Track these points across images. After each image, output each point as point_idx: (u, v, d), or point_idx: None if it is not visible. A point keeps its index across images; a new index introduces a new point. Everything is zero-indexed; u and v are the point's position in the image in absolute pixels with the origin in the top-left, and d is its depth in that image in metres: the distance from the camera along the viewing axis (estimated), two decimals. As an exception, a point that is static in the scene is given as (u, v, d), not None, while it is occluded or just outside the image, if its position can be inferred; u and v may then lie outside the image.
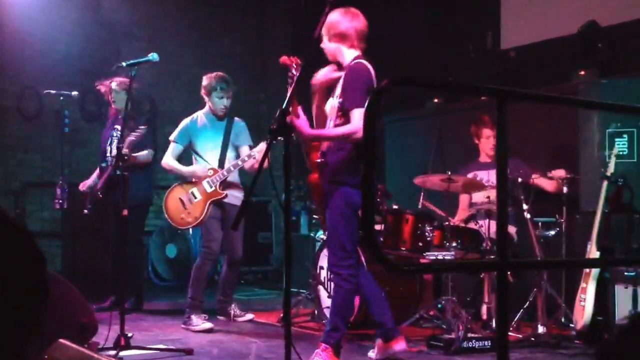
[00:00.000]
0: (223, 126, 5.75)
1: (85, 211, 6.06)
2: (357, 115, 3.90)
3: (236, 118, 5.85)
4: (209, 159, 5.68)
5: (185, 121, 5.80)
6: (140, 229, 6.40)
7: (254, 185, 3.36)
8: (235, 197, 5.62)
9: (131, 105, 5.94)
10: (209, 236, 5.61)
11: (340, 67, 4.22)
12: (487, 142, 5.75)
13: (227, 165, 5.64)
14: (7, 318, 1.02)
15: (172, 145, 5.77)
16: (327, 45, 4.18)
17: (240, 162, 5.57)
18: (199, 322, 5.41)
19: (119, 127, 6.00)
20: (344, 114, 4.03)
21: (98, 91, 6.38)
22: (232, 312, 5.78)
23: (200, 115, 5.78)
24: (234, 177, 5.69)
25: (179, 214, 5.61)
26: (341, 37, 4.13)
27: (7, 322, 1.02)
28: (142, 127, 5.44)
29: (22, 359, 1.05)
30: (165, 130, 6.67)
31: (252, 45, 9.30)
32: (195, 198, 5.58)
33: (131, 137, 5.49)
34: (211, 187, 5.58)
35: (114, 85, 6.13)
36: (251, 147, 5.68)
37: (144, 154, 6.02)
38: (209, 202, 5.56)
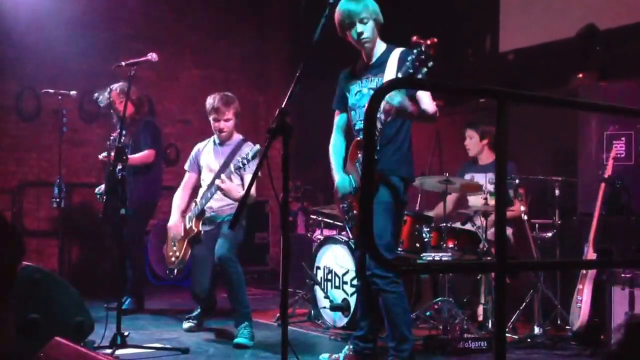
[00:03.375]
0: (225, 153, 5.11)
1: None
2: None
3: (248, 143, 5.08)
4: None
5: (197, 146, 5.33)
6: (142, 230, 6.34)
7: (251, 187, 3.37)
8: (230, 208, 5.07)
9: (134, 107, 5.94)
10: (194, 277, 5.19)
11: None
12: (469, 142, 5.76)
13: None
14: None
15: (186, 175, 5.34)
16: (373, 31, 3.93)
17: (213, 190, 4.88)
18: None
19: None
20: None
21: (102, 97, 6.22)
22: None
23: (210, 140, 5.28)
24: (229, 192, 4.82)
25: (168, 252, 5.31)
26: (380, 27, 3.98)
27: None
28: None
29: None
30: (163, 131, 6.64)
31: (251, 46, 9.29)
32: (178, 237, 5.21)
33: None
34: (189, 222, 5.13)
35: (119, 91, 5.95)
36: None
37: (140, 155, 5.98)
38: (187, 240, 5.15)
